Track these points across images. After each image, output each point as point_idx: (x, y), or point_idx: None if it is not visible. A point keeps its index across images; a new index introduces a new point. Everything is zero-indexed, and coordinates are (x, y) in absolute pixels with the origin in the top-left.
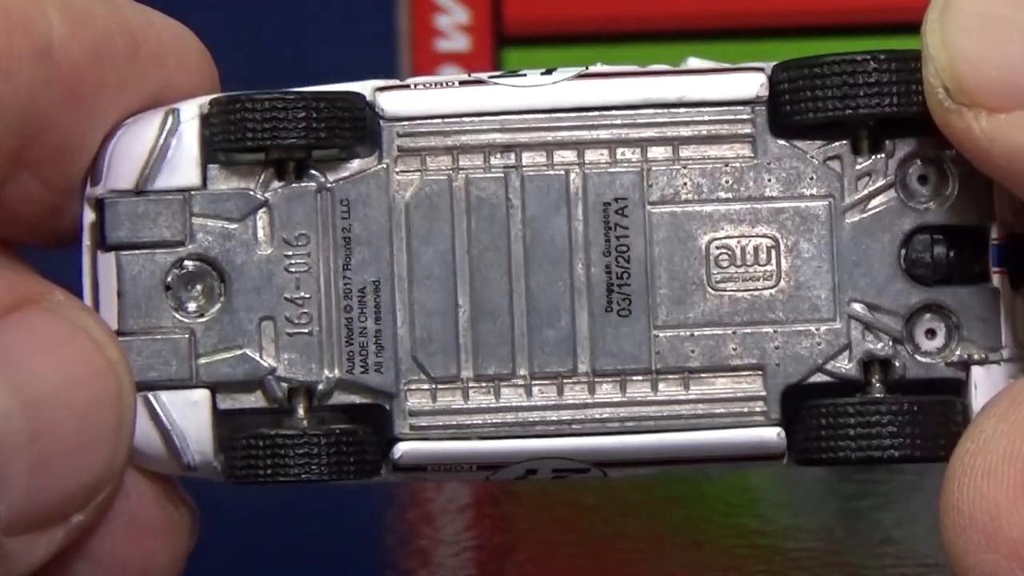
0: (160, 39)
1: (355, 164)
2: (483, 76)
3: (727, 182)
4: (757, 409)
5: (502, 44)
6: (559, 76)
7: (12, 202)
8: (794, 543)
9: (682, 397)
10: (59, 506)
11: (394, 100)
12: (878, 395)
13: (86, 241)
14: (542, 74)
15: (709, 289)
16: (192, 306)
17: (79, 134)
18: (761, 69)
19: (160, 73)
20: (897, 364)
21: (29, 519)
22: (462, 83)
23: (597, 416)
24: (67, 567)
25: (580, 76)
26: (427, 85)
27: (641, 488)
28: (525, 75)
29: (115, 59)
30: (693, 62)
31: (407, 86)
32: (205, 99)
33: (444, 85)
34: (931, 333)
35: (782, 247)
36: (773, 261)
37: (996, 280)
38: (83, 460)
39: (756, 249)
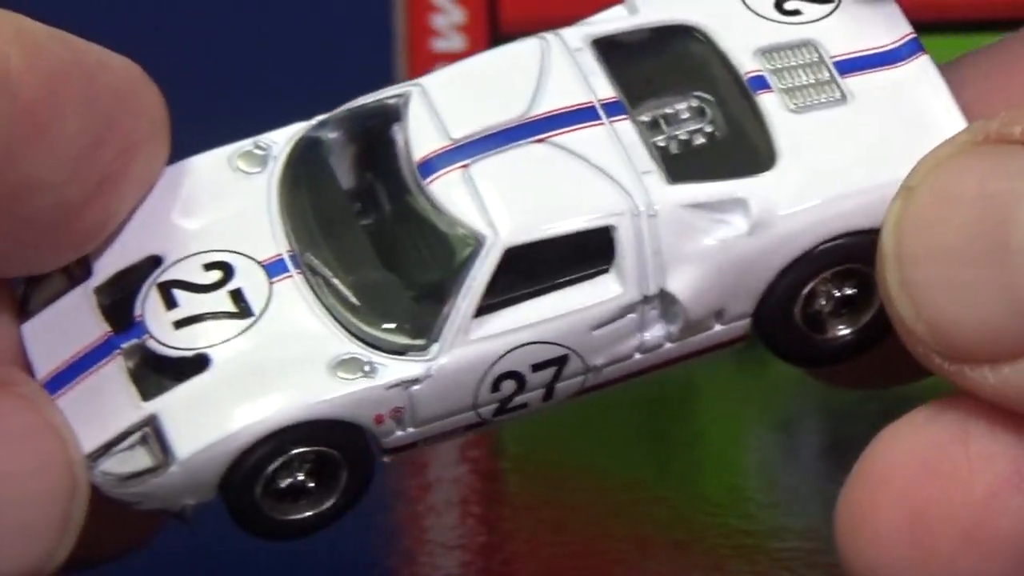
0: (114, 75)
1: None
2: None
3: None
4: None
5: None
6: None
7: None
8: (779, 543)
9: None
10: None
11: None
12: None
13: None
14: None
15: None
16: None
17: (42, 168)
18: None
19: (116, 107)
20: None
21: None
22: None
23: None
24: None
25: None
26: None
27: (627, 488)
28: None
29: (72, 92)
30: None
31: None
32: None
33: None
34: None
35: None
36: None
37: None
38: (22, 548)
39: None
